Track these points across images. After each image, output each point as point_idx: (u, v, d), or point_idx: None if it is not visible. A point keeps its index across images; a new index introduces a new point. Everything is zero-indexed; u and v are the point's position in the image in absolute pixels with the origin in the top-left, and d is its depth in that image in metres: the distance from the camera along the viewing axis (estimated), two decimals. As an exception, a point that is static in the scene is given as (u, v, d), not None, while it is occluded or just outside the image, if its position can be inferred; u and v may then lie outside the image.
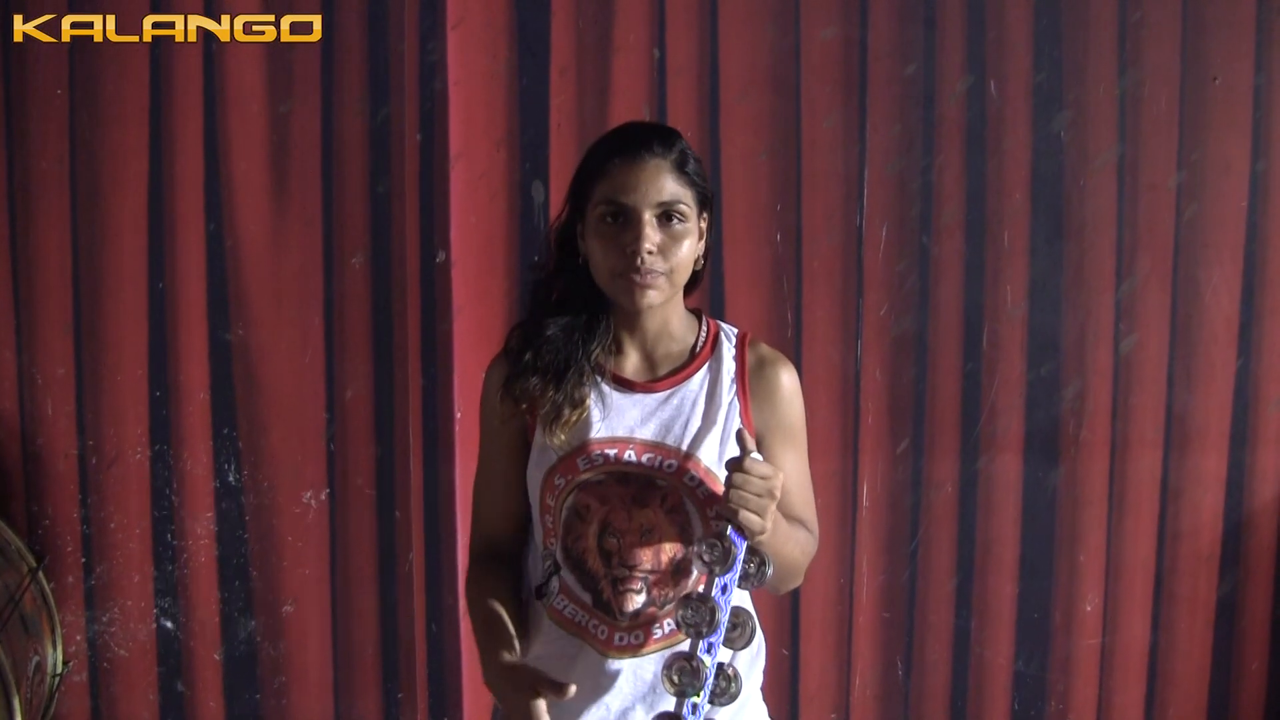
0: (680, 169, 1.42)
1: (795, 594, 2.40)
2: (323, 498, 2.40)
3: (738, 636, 1.39)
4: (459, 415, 2.33)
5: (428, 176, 2.31)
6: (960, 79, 2.33)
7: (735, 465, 1.32)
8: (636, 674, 1.46)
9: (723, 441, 1.46)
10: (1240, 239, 2.37)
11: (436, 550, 2.38)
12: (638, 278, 1.39)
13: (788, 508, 1.48)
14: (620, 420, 1.46)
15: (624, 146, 1.43)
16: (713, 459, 1.44)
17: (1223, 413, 2.40)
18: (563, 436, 1.44)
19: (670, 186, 1.41)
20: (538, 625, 1.52)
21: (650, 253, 1.39)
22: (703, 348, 1.50)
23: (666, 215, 1.40)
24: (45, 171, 2.33)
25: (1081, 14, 2.32)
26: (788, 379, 1.51)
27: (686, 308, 1.53)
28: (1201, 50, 2.33)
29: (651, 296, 1.41)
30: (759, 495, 1.32)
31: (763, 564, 1.37)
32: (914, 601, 2.44)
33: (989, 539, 2.43)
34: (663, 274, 1.40)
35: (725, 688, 1.37)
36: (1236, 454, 2.41)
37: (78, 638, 2.43)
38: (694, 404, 1.47)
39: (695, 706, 1.33)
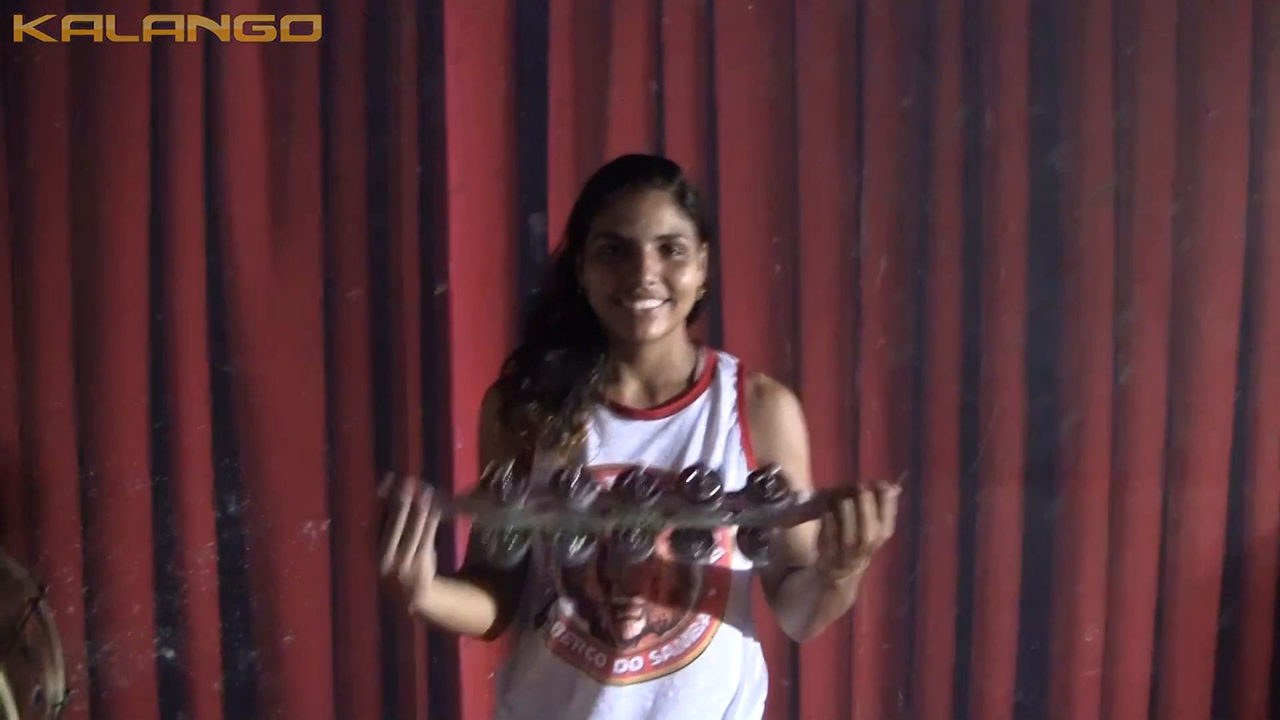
0: (680, 201, 1.43)
1: (794, 625, 2.40)
2: (323, 528, 2.40)
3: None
4: (459, 446, 2.33)
5: (427, 209, 2.32)
6: (957, 111, 2.34)
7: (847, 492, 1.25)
8: (636, 701, 1.46)
9: (722, 469, 1.45)
10: (1237, 270, 2.38)
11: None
12: (637, 307, 1.39)
13: (801, 543, 1.47)
14: (619, 447, 1.46)
15: (623, 179, 1.43)
16: None
17: (1222, 444, 2.40)
18: (561, 461, 1.44)
19: (670, 219, 1.41)
20: (532, 654, 1.51)
21: (651, 283, 1.39)
22: (701, 376, 1.50)
23: (666, 247, 1.41)
24: (45, 202, 2.33)
25: (1077, 47, 2.33)
26: (789, 407, 1.52)
27: (686, 338, 1.53)
28: (1197, 83, 2.34)
29: (652, 329, 1.41)
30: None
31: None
32: (914, 633, 2.44)
33: (988, 570, 2.42)
34: (664, 301, 1.40)
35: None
36: (1236, 485, 2.41)
37: (79, 667, 2.42)
38: (693, 431, 1.47)
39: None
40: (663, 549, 1.33)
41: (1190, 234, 2.36)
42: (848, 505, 1.24)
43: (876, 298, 2.36)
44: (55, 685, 2.36)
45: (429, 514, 1.24)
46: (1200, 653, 2.45)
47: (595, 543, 1.30)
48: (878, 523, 1.24)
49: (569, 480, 1.26)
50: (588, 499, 1.27)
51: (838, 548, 1.26)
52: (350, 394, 2.37)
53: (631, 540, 1.27)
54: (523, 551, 1.30)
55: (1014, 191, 2.34)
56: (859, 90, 2.34)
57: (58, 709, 2.36)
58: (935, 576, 2.43)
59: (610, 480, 1.31)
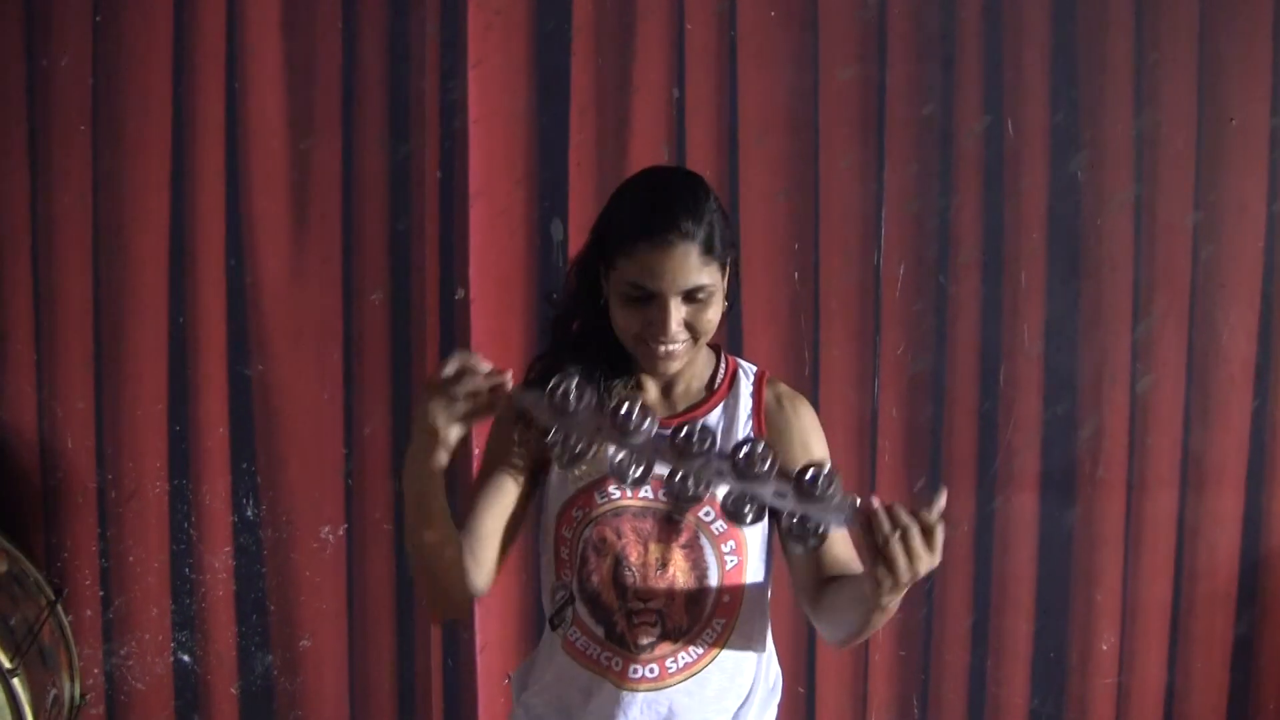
0: (708, 250, 1.38)
1: (811, 631, 2.40)
2: (340, 533, 2.41)
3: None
4: (476, 451, 2.33)
5: (447, 214, 2.32)
6: (978, 119, 2.34)
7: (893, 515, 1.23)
8: (651, 707, 1.47)
9: (777, 448, 1.45)
10: (1257, 279, 2.37)
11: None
12: (660, 350, 1.40)
13: (838, 553, 1.46)
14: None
15: (651, 227, 1.37)
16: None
17: (1239, 453, 2.40)
18: (580, 470, 1.44)
19: (695, 272, 1.37)
20: (551, 656, 1.53)
21: (676, 331, 1.38)
22: (720, 384, 1.52)
23: (690, 294, 1.38)
24: (67, 206, 2.34)
25: (1099, 55, 2.33)
26: (807, 415, 1.52)
27: (707, 344, 1.53)
28: (1218, 91, 2.34)
29: (673, 366, 1.43)
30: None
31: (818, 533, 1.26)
32: (930, 640, 2.44)
33: (1005, 578, 2.42)
34: (685, 343, 1.41)
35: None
36: (1253, 494, 2.41)
37: (95, 671, 2.43)
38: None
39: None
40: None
41: (1211, 243, 2.36)
42: (896, 546, 1.20)
43: (896, 305, 2.36)
44: (72, 689, 2.36)
45: (500, 390, 1.27)
46: (1216, 661, 2.45)
47: (650, 473, 1.29)
48: (928, 554, 1.22)
49: (629, 413, 1.26)
50: (642, 437, 1.27)
51: (889, 581, 1.22)
52: (369, 399, 2.37)
53: (688, 484, 1.28)
54: (588, 457, 1.30)
55: (1034, 199, 2.34)
56: (880, 97, 2.34)
57: (74, 712, 2.36)
58: (952, 583, 2.43)
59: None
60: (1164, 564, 2.43)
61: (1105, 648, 2.44)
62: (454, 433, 1.28)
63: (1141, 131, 2.34)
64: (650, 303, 1.38)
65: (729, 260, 1.45)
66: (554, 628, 1.52)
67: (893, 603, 1.31)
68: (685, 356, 1.43)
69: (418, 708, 2.44)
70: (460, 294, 2.32)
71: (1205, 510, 2.42)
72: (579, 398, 1.27)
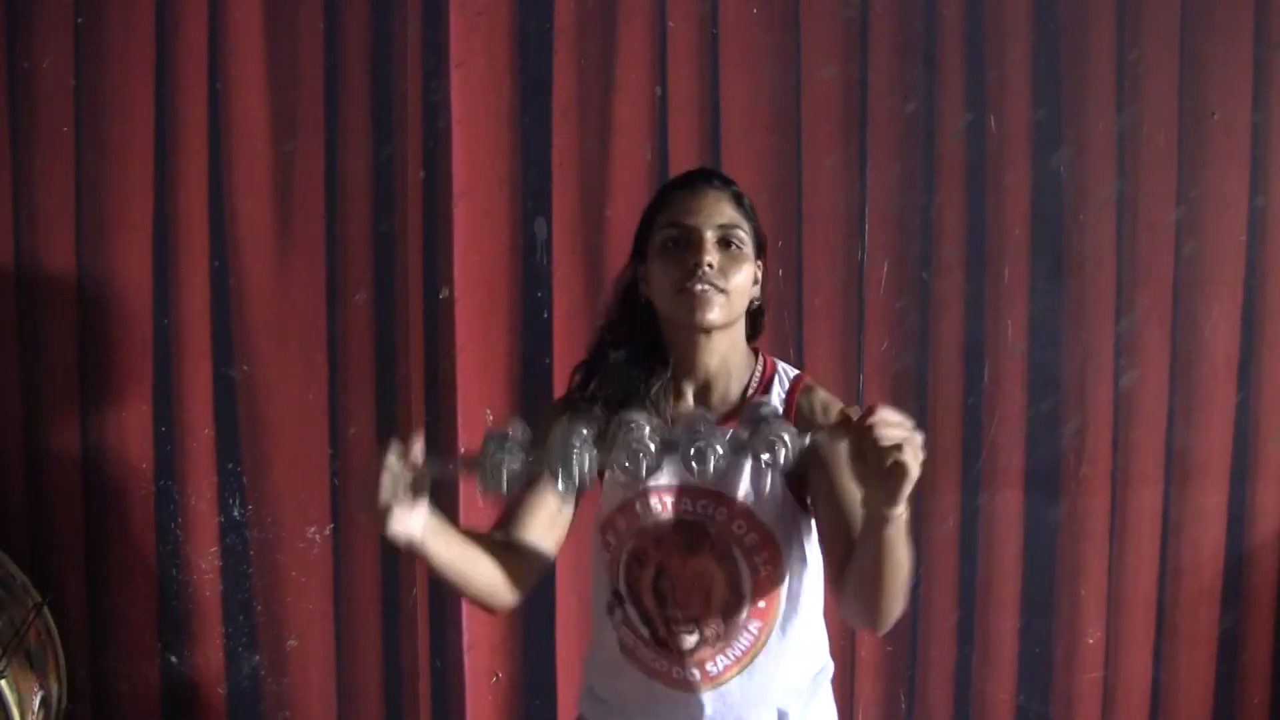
0: (738, 202, 1.52)
1: (797, 629, 2.40)
2: (327, 533, 2.41)
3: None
4: (461, 451, 2.34)
5: (431, 214, 2.32)
6: (960, 117, 2.35)
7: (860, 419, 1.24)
8: (696, 705, 1.54)
9: (769, 489, 1.50)
10: (1239, 274, 2.38)
11: (440, 586, 2.38)
12: (698, 289, 1.45)
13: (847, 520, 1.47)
14: (675, 467, 1.49)
15: (686, 181, 1.54)
16: (760, 506, 1.51)
17: (1223, 448, 2.41)
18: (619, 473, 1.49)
19: (729, 212, 1.49)
20: (607, 642, 1.60)
21: (711, 267, 1.45)
22: (754, 391, 1.55)
23: (725, 240, 1.48)
24: (50, 208, 2.34)
25: (1080, 52, 2.34)
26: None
27: (748, 349, 1.59)
28: (1200, 87, 2.35)
29: (712, 314, 1.46)
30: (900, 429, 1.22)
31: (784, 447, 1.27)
32: (916, 637, 2.45)
33: (990, 574, 2.43)
34: (723, 291, 1.46)
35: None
36: (1237, 489, 2.41)
37: (82, 673, 2.43)
38: None
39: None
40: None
41: (1193, 238, 2.36)
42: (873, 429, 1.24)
43: (879, 302, 2.36)
44: (58, 692, 2.36)
45: (412, 475, 1.30)
46: (1202, 656, 2.46)
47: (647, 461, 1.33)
48: (892, 429, 1.24)
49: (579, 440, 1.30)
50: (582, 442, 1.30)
51: (882, 479, 1.26)
52: (355, 399, 2.37)
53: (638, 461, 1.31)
54: (517, 487, 1.34)
55: (1017, 196, 2.35)
56: (862, 95, 2.34)
57: (61, 715, 2.36)
58: (937, 580, 2.44)
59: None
60: (1149, 559, 2.44)
61: (1091, 643, 2.45)
62: (410, 529, 1.32)
63: (1124, 128, 2.35)
64: (687, 247, 1.46)
65: (760, 248, 1.54)
66: (610, 613, 1.59)
67: (892, 531, 1.31)
68: (723, 311, 1.46)
69: (405, 707, 2.44)
70: (444, 294, 2.32)
71: (1190, 505, 2.42)
72: (500, 444, 1.31)
